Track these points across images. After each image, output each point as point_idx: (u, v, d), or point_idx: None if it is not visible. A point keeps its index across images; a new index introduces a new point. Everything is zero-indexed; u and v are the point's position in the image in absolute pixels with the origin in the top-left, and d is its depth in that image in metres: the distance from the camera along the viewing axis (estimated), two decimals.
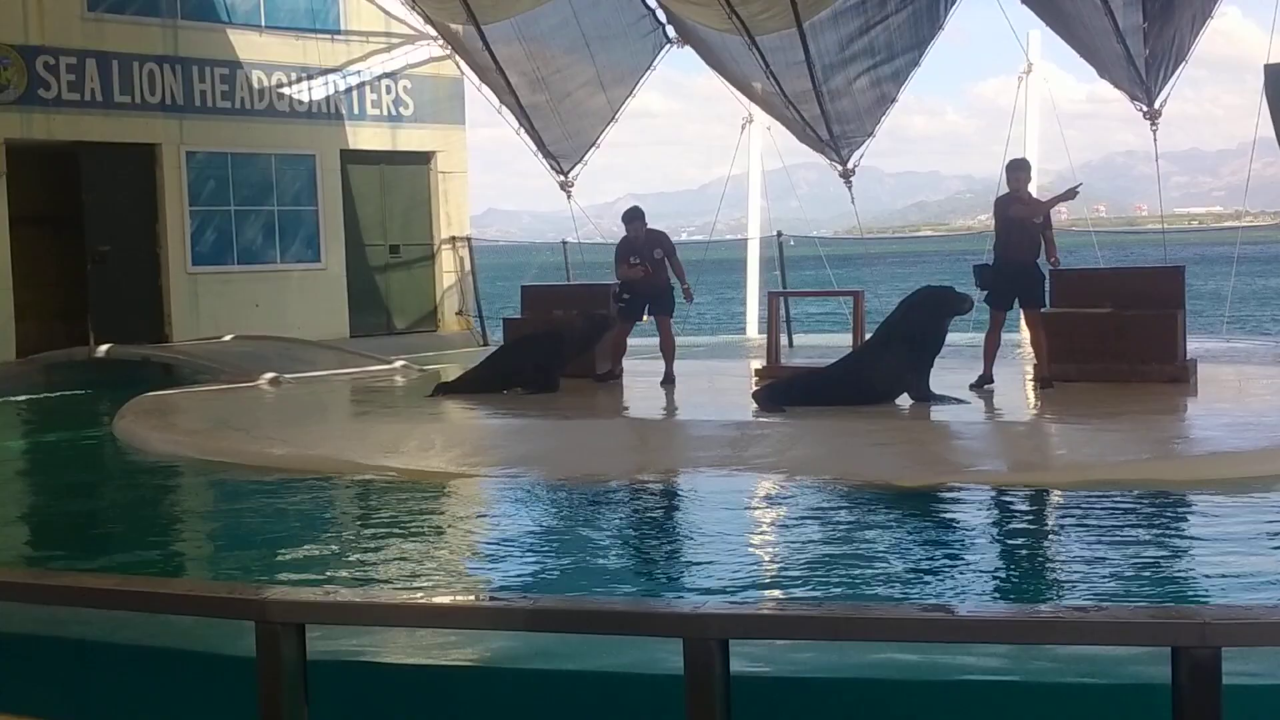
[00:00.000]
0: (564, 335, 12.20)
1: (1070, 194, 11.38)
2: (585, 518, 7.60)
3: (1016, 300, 10.91)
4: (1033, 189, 17.67)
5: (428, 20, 18.03)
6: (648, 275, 12.09)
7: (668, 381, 12.13)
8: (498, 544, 6.96)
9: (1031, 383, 11.25)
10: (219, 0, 17.79)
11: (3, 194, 16.01)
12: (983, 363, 11.00)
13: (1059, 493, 7.53)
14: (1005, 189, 11.09)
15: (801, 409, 9.89)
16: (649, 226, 12.36)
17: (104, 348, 15.52)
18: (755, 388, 11.00)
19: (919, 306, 10.48)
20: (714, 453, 8.64)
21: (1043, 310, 11.01)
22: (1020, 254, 10.83)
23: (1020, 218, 10.74)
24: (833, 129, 17.45)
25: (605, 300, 12.88)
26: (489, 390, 11.77)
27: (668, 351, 12.35)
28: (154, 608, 3.48)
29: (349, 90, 18.98)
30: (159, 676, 4.38)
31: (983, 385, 10.87)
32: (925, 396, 10.21)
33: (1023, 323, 11.62)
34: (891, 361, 10.31)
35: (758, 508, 7.76)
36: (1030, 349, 11.57)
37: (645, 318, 12.61)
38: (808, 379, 10.98)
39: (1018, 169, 11.10)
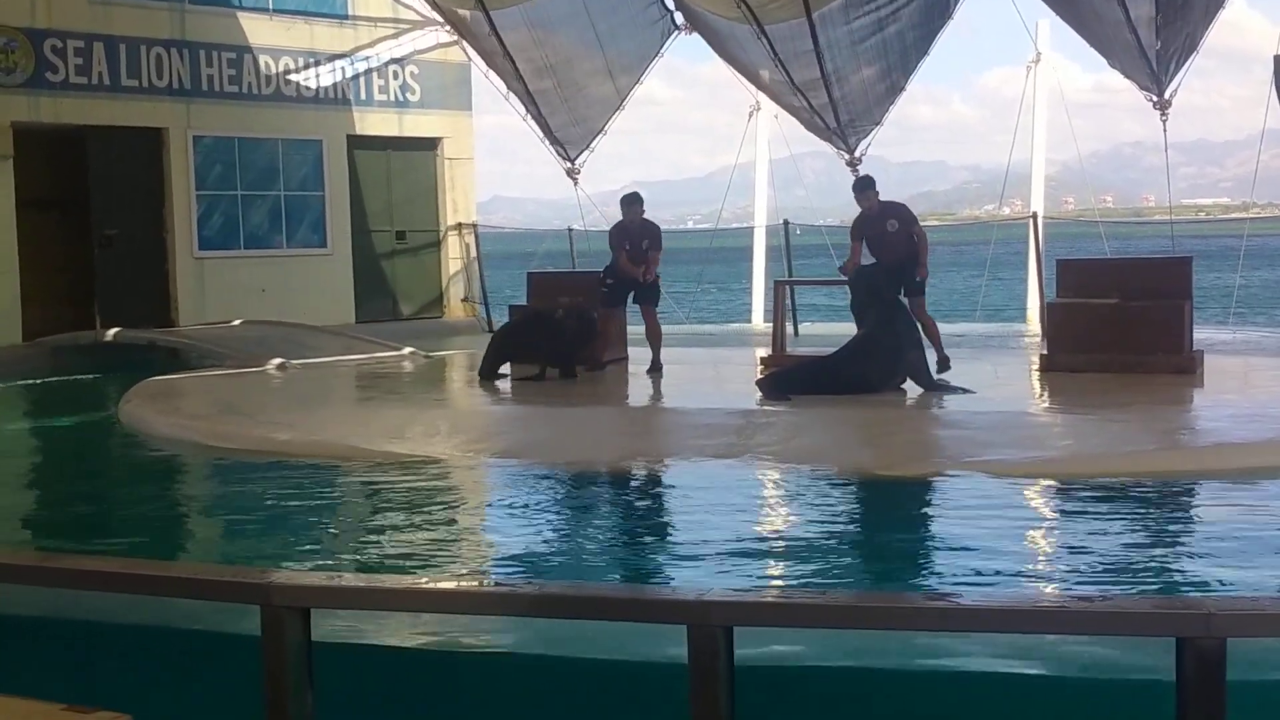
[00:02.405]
0: (564, 325, 11.98)
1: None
2: (589, 504, 7.61)
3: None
4: (1040, 179, 17.75)
5: (434, 6, 17.99)
6: (643, 275, 12.05)
7: (654, 370, 12.09)
8: (502, 530, 6.98)
9: (1037, 372, 11.24)
10: None
11: (10, 177, 16.02)
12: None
13: (1065, 483, 7.52)
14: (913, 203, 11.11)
15: (807, 397, 9.88)
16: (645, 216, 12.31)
17: (110, 332, 15.55)
18: (760, 376, 10.99)
19: (880, 288, 10.54)
20: (719, 440, 8.63)
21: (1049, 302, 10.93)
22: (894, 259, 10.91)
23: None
24: (840, 117, 17.40)
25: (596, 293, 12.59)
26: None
27: (654, 340, 12.28)
28: (159, 591, 3.49)
29: (356, 76, 18.96)
30: (165, 657, 4.39)
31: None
32: (929, 384, 10.22)
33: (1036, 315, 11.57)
34: (890, 343, 10.32)
35: (763, 496, 7.76)
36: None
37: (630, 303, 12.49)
38: (812, 367, 10.97)
39: (867, 187, 11.13)
